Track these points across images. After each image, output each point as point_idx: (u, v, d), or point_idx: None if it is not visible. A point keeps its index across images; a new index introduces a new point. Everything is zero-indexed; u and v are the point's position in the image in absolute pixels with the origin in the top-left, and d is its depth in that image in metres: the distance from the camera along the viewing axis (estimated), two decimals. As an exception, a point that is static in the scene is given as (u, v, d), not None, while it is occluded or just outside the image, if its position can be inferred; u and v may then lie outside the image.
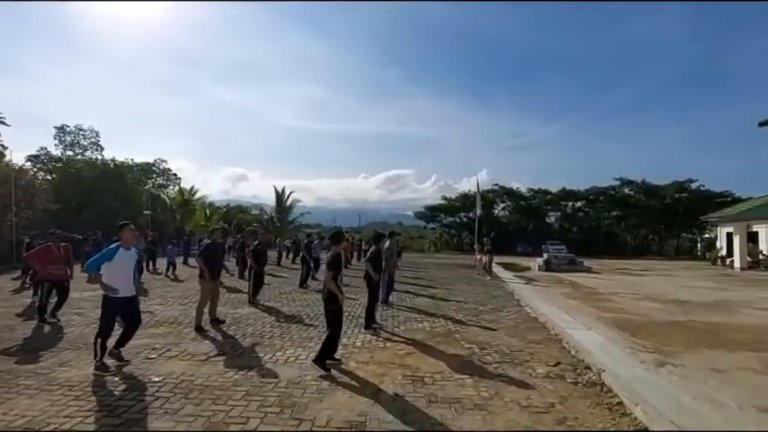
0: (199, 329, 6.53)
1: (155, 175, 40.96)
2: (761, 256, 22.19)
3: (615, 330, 6.83)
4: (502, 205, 46.49)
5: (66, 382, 4.28)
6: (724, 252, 25.86)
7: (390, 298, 9.76)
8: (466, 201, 43.72)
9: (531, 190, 45.34)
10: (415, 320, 7.65)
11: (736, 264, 22.51)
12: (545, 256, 21.23)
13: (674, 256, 36.83)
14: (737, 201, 34.15)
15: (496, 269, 17.92)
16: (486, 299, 10.43)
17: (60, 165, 32.05)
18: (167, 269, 14.56)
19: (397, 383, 4.36)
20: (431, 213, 47.59)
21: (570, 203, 44.83)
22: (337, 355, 5.13)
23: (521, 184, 48.85)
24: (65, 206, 28.11)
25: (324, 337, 4.95)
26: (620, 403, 3.91)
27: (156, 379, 4.39)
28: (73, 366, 4.80)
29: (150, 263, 15.56)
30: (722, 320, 7.92)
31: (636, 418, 3.59)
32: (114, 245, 4.98)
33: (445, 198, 47.14)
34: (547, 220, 45.42)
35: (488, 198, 43.32)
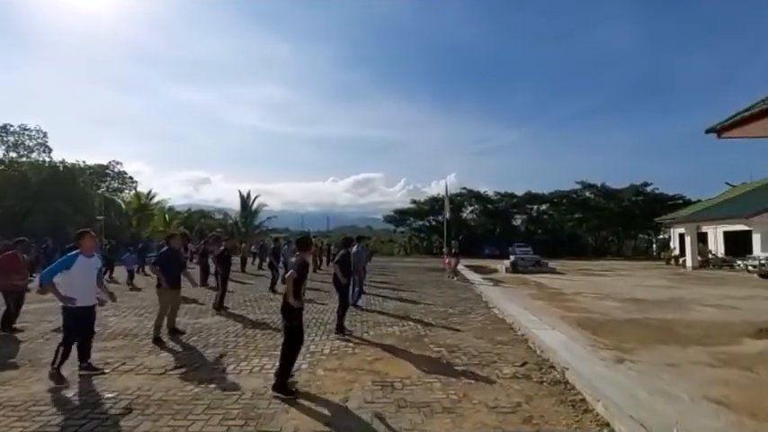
0: (157, 341, 6.25)
1: (109, 179, 39.09)
2: (710, 256, 23.80)
3: (578, 329, 7.10)
4: (470, 208, 47.57)
5: (8, 402, 3.98)
6: (677, 252, 27.56)
7: (360, 302, 9.72)
8: (435, 204, 44.41)
9: (498, 193, 46.68)
10: (385, 325, 7.66)
11: (688, 263, 24.02)
12: (512, 258, 21.85)
13: (631, 256, 38.86)
14: (688, 203, 36.60)
15: (465, 272, 18.26)
16: (454, 301, 10.59)
17: (2, 167, 29.94)
18: (130, 278, 13.85)
19: (367, 390, 4.34)
20: (400, 217, 47.98)
21: (535, 206, 46.52)
22: (303, 365, 5.02)
23: (488, 188, 49.97)
24: (8, 211, 26.26)
25: (279, 359, 4.37)
26: (583, 400, 4.06)
27: (110, 395, 4.16)
28: (16, 385, 4.47)
29: (107, 272, 14.75)
30: (675, 317, 8.41)
31: (598, 414, 3.74)
32: (74, 252, 4.80)
33: (414, 202, 47.70)
34: (513, 222, 46.83)
35: (457, 201, 44.20)
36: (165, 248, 7.02)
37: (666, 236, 32.80)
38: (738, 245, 22.14)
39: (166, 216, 40.42)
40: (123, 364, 5.20)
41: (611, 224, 42.76)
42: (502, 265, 21.97)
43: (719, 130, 6.70)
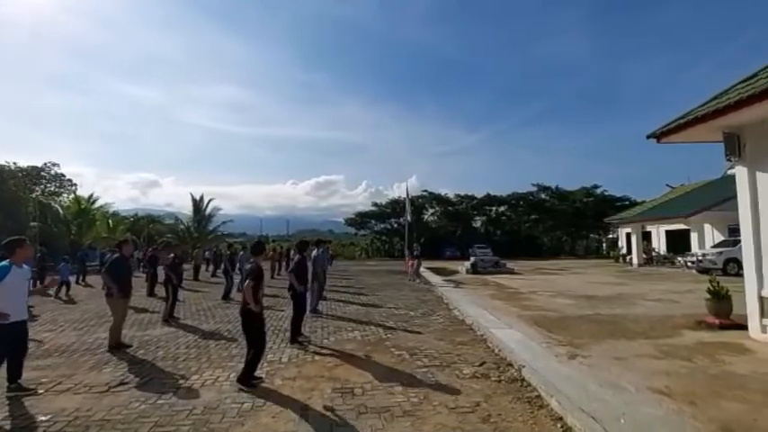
0: (118, 347, 6.22)
1: (44, 182, 36.35)
2: (653, 254, 25.60)
3: (534, 327, 7.38)
4: (431, 211, 48.36)
5: None
6: (624, 250, 29.43)
7: (320, 308, 9.61)
8: (396, 207, 44.79)
9: (458, 195, 47.81)
10: (346, 330, 7.61)
11: (634, 260, 25.73)
12: (472, 259, 22.42)
13: (583, 255, 41.06)
14: (634, 204, 39.18)
15: (426, 274, 18.53)
16: (416, 304, 10.71)
17: None
18: (59, 290, 12.84)
19: (326, 397, 4.29)
20: (361, 220, 47.96)
21: (494, 208, 48.08)
22: (260, 373, 4.91)
23: (449, 190, 51.09)
24: None
25: (246, 358, 4.78)
26: (539, 396, 4.23)
27: (44, 418, 3.85)
28: (-72, 413, 4.03)
29: (38, 282, 13.64)
30: (623, 312, 8.95)
31: (552, 409, 3.91)
32: (4, 263, 4.44)
33: (376, 204, 47.87)
34: (473, 224, 48.10)
35: (418, 204, 44.81)
36: (116, 255, 6.66)
37: (614, 235, 34.96)
38: (678, 242, 24.00)
39: (110, 222, 38.00)
40: (60, 383, 4.83)
41: (565, 225, 44.97)
42: (462, 267, 22.48)
43: (659, 136, 7.23)
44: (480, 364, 5.33)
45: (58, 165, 37.15)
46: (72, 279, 14.87)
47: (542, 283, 15.81)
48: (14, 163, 33.23)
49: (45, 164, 36.37)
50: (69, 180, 38.11)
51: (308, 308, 7.95)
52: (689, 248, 21.88)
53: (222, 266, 14.49)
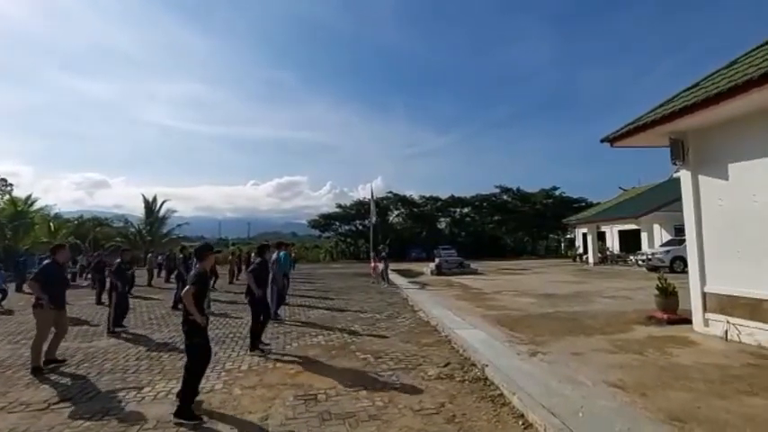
0: (37, 371, 5.46)
1: (-27, 182, 33.45)
2: (608, 253, 27.04)
3: (497, 326, 7.59)
4: (396, 212, 48.64)
5: None
6: (581, 250, 30.89)
7: (281, 313, 9.42)
8: (361, 208, 44.67)
9: (423, 197, 48.41)
10: (309, 335, 7.50)
11: (590, 259, 27.05)
12: (437, 260, 22.76)
13: (544, 255, 42.65)
14: (590, 206, 41.20)
15: (392, 276, 18.59)
16: (382, 306, 10.73)
17: None
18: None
19: (288, 405, 4.20)
20: (326, 222, 47.48)
21: (458, 210, 49.03)
22: (219, 384, 4.74)
23: (415, 192, 51.53)
24: None
25: (182, 380, 4.12)
26: (501, 394, 4.34)
27: (-30, 442, 3.54)
28: None
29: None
30: (580, 309, 9.38)
31: (514, 407, 4.02)
32: None
33: (340, 206, 47.54)
34: (438, 225, 48.83)
35: (383, 205, 44.96)
36: (47, 262, 6.16)
37: (572, 235, 36.60)
38: (630, 242, 25.48)
39: (51, 225, 35.51)
40: (-10, 402, 4.45)
41: (527, 226, 46.58)
42: (428, 268, 22.77)
43: (612, 140, 7.64)
44: (445, 365, 5.41)
45: (-11, 163, 34.30)
46: (11, 287, 13.79)
47: (505, 282, 16.28)
48: (-63, 161, 30.34)
49: (-25, 162, 33.48)
50: (4, 180, 35.39)
51: (271, 313, 7.75)
52: (640, 247, 23.27)
53: (176, 271, 13.90)
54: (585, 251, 29.26)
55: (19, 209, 33.08)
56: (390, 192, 48.33)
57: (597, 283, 14.94)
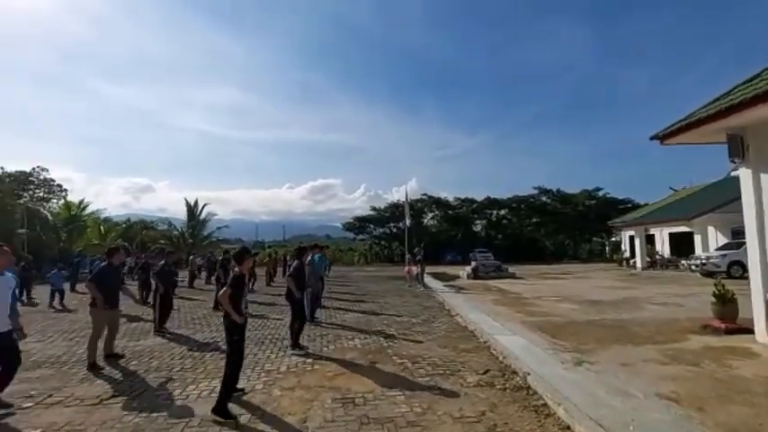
0: (92, 367, 5.83)
1: (33, 187, 36.16)
2: (657, 257, 25.68)
3: (538, 333, 7.38)
4: (431, 215, 48.35)
5: None
6: (628, 254, 29.51)
7: (318, 315, 9.57)
8: (395, 211, 44.74)
9: (458, 199, 47.86)
10: (346, 338, 7.58)
11: (638, 264, 25.78)
12: (473, 264, 22.42)
13: (587, 259, 41.08)
14: (637, 207, 39.37)
15: (427, 279, 18.50)
16: (418, 310, 10.68)
17: None
18: (52, 298, 12.76)
19: (327, 408, 4.26)
20: (360, 224, 47.85)
21: (494, 212, 48.10)
22: (260, 384, 4.87)
23: (448, 194, 50.92)
24: None
25: (222, 377, 4.28)
26: (545, 404, 4.21)
27: (33, 433, 3.81)
28: None
29: (24, 292, 13.54)
30: (628, 317, 8.96)
31: (559, 418, 3.89)
32: None
33: (374, 209, 47.83)
34: (474, 228, 48.10)
35: (417, 208, 44.84)
36: (103, 264, 6.57)
37: (618, 238, 35.05)
38: (682, 245, 24.08)
39: (102, 228, 37.86)
40: (50, 396, 4.78)
41: (568, 228, 45.03)
42: (464, 272, 22.48)
43: (663, 137, 7.27)
44: (485, 372, 5.32)
45: (47, 170, 36.97)
46: (66, 287, 14.77)
47: (546, 287, 15.81)
48: (1, 168, 33.06)
49: (33, 169, 36.18)
50: (59, 185, 37.93)
51: (306, 315, 7.92)
52: (693, 251, 21.95)
53: (216, 274, 14.41)
54: (633, 255, 27.92)
55: (72, 213, 35.51)
56: (425, 194, 48.16)
57: (646, 289, 14.23)
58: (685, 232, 23.56)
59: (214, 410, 4.05)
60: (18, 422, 4.07)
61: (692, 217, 21.99)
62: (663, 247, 26.45)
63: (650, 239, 27.18)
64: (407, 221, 22.77)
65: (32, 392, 4.86)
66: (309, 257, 9.81)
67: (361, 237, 49.23)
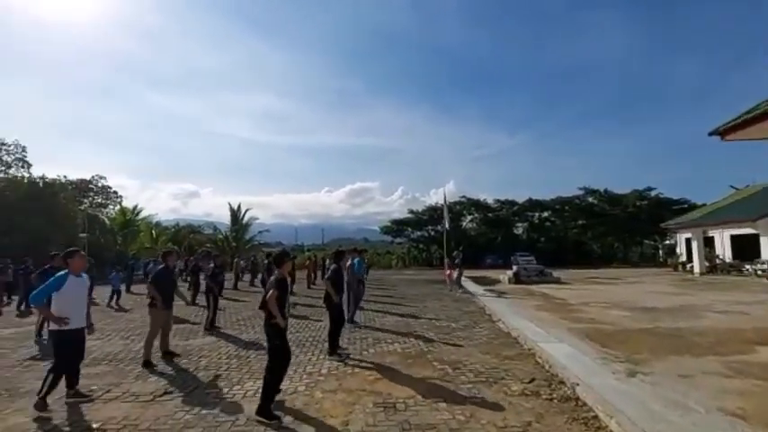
0: (147, 365, 6.18)
1: (92, 194, 38.86)
2: (717, 261, 23.93)
3: (586, 341, 7.07)
4: (469, 217, 47.59)
5: (-16, 437, 3.89)
6: (684, 258, 27.67)
7: (358, 319, 9.65)
8: (434, 213, 44.36)
9: (498, 201, 46.79)
10: (385, 342, 7.59)
11: (696, 269, 24.12)
12: (514, 268, 21.82)
13: (638, 263, 38.94)
14: (693, 207, 36.87)
15: (467, 283, 18.22)
16: (458, 315, 10.53)
17: (-21, 184, 29.73)
18: (111, 298, 13.69)
19: (368, 412, 4.28)
20: (398, 228, 47.81)
21: (537, 214, 46.63)
22: (302, 386, 4.98)
23: (488, 195, 49.89)
24: (-16, 231, 25.98)
25: (264, 378, 4.39)
26: (596, 417, 4.02)
27: (95, 426, 4.07)
28: (-7, 417, 4.37)
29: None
30: (686, 325, 8.41)
31: (612, 431, 3.70)
32: (63, 272, 4.81)
33: (412, 211, 47.62)
34: (515, 231, 46.84)
35: (456, 210, 44.25)
36: (160, 266, 6.95)
37: (672, 241, 32.97)
38: (746, 249, 22.29)
39: (153, 232, 40.14)
40: (108, 391, 5.10)
41: (617, 230, 42.86)
42: (504, 276, 21.93)
43: (723, 132, 6.79)
44: (530, 381, 5.16)
45: (104, 177, 39.58)
46: (123, 288, 15.77)
47: (593, 293, 15.14)
48: (65, 177, 35.74)
49: (93, 177, 38.84)
50: (115, 192, 40.51)
51: (346, 318, 8.01)
52: (759, 255, 20.30)
53: (260, 276, 14.87)
54: (689, 259, 26.18)
55: (127, 218, 37.88)
56: (463, 196, 47.45)
57: (705, 296, 13.30)
58: (750, 234, 21.82)
59: (258, 412, 4.16)
60: (81, 415, 4.37)
61: (757, 218, 20.37)
62: (723, 250, 24.60)
63: (709, 242, 25.36)
64: (446, 224, 22.49)
65: (93, 387, 5.21)
66: (349, 261, 9.94)
67: (398, 240, 49.15)
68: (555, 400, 4.51)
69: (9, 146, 31.75)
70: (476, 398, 4.63)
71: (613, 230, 42.98)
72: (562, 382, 5.03)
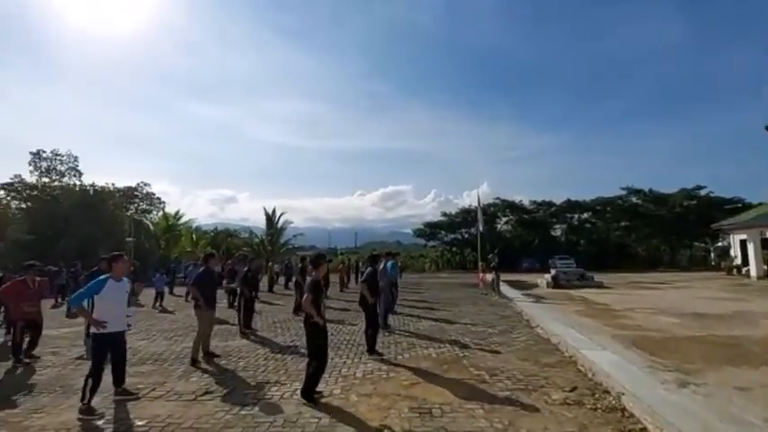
0: (194, 363, 6.50)
1: (137, 200, 40.92)
2: (777, 264, 22.27)
3: (632, 349, 6.76)
4: (504, 219, 46.68)
5: (40, 430, 4.15)
6: (739, 261, 25.93)
7: (392, 322, 9.64)
8: (467, 216, 43.83)
9: (534, 202, 45.65)
10: (420, 346, 7.54)
11: (753, 272, 22.54)
12: (553, 271, 21.19)
13: (687, 266, 36.85)
14: (748, 207, 34.50)
15: (503, 287, 17.84)
16: (494, 320, 10.32)
17: (36, 192, 31.95)
18: (156, 300, 14.37)
19: (404, 417, 4.26)
20: (431, 231, 47.54)
21: (576, 215, 45.13)
22: (337, 389, 5.03)
23: (523, 197, 48.45)
24: (40, 236, 27.88)
25: (309, 370, 4.83)
26: (644, 429, 3.83)
27: (140, 423, 4.27)
28: (48, 412, 4.66)
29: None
30: (743, 333, 7.88)
31: (662, 446, 3.52)
32: (103, 276, 5.01)
33: (445, 214, 47.21)
34: (552, 233, 45.53)
35: (490, 212, 43.52)
36: (202, 269, 7.22)
37: (726, 243, 30.96)
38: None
39: (193, 236, 41.80)
40: (153, 389, 5.33)
41: (663, 232, 40.78)
42: (542, 280, 21.32)
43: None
44: (571, 389, 4.97)
45: (149, 184, 41.61)
46: (166, 290, 16.50)
47: (638, 298, 14.46)
48: (113, 184, 37.87)
49: (138, 184, 40.94)
50: (158, 198, 42.50)
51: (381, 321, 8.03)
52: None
53: (294, 279, 15.15)
54: (745, 262, 24.50)
55: (170, 223, 39.63)
56: (498, 198, 46.65)
57: (762, 302, 12.41)
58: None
59: (302, 393, 4.74)
60: (128, 413, 4.58)
61: (823, 217, 18.80)
62: (785, 252, 22.88)
63: (767, 244, 23.67)
64: (480, 227, 22.15)
65: (139, 386, 5.46)
66: (382, 265, 9.96)
67: (432, 243, 48.86)
68: (599, 411, 4.33)
69: (63, 156, 34.05)
70: (514, 405, 4.52)
71: (659, 232, 40.94)
72: (607, 392, 4.82)
